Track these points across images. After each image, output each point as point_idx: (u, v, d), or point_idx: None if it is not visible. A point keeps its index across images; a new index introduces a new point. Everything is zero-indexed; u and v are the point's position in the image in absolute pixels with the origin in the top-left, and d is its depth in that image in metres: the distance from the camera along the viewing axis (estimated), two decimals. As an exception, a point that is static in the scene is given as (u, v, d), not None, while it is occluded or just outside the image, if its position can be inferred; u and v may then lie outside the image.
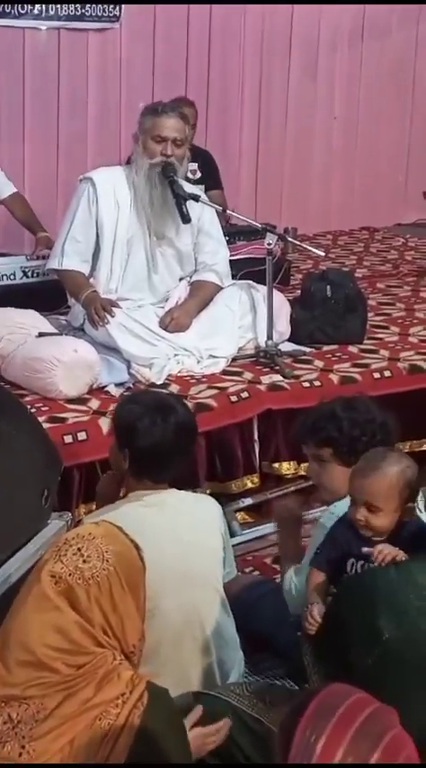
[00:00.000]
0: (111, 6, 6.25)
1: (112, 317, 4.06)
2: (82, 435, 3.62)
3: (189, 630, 2.69)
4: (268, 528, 3.99)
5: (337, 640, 2.36)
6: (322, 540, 2.61)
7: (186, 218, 4.17)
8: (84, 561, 2.00)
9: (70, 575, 1.98)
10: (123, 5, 6.29)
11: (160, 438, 2.73)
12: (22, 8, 5.98)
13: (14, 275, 4.95)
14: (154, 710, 1.99)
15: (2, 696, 1.93)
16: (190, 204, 4.23)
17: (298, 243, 4.76)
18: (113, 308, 4.10)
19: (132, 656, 2.06)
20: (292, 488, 4.09)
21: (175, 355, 4.16)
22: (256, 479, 3.99)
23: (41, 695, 1.92)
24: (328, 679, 2.44)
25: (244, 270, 4.92)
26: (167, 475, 2.80)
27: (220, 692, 2.61)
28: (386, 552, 2.39)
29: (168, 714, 2.03)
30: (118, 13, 6.30)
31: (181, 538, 2.66)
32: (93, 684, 1.96)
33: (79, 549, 2.01)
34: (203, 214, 4.37)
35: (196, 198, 4.26)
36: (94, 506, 3.60)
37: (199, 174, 5.89)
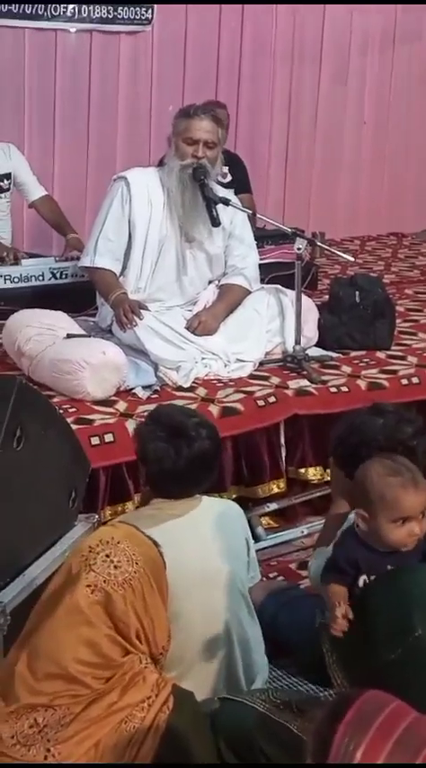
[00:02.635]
0: (144, 9, 6.26)
1: (141, 319, 4.05)
2: (109, 437, 3.62)
3: (213, 635, 2.68)
4: (292, 533, 3.99)
5: (360, 633, 2.35)
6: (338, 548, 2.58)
7: (216, 222, 4.17)
8: (115, 567, 2.00)
9: (105, 582, 1.98)
10: (155, 8, 6.29)
11: (170, 467, 2.65)
12: (55, 10, 6.01)
13: (43, 276, 4.97)
14: (179, 714, 1.99)
15: (29, 703, 1.93)
16: (222, 207, 4.23)
17: (327, 247, 4.74)
18: (142, 311, 4.09)
19: (160, 659, 2.06)
20: (317, 494, 4.09)
21: (203, 359, 4.15)
22: (282, 484, 3.98)
23: (68, 704, 1.92)
24: (345, 673, 2.45)
25: (271, 274, 4.92)
26: (182, 496, 2.73)
27: (246, 697, 2.60)
28: None
29: (194, 717, 2.03)
30: (150, 17, 6.31)
31: (205, 542, 2.66)
32: (118, 689, 1.96)
33: (107, 556, 2.01)
34: (235, 218, 4.36)
35: (226, 202, 4.25)
36: (120, 508, 3.64)
37: (229, 178, 5.89)
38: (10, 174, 5.47)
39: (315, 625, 2.65)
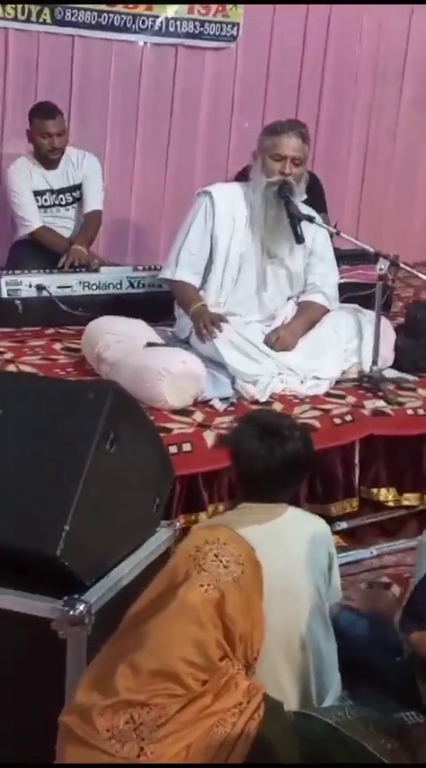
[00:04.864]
0: (229, 26, 6.32)
1: (220, 332, 4.08)
2: (186, 447, 3.65)
3: (289, 647, 2.67)
4: (362, 554, 3.98)
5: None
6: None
7: (300, 239, 4.19)
8: (224, 566, 2.03)
9: (217, 581, 2.01)
10: (241, 26, 6.34)
11: (263, 466, 2.66)
12: (143, 23, 6.10)
13: (121, 285, 5.04)
14: (270, 722, 2.00)
15: (126, 699, 1.95)
16: (304, 225, 4.25)
17: (411, 270, 4.75)
18: (221, 323, 4.12)
19: (253, 664, 2.08)
20: (388, 516, 4.09)
21: (279, 374, 4.16)
22: (355, 503, 3.98)
23: (164, 703, 1.94)
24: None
25: (346, 294, 4.91)
26: (272, 499, 2.74)
27: (321, 713, 2.60)
28: None
29: (283, 727, 2.05)
30: (235, 33, 6.37)
31: (288, 553, 2.65)
32: (212, 693, 1.98)
33: (216, 556, 2.04)
34: (317, 236, 4.39)
35: (311, 219, 4.28)
36: (193, 517, 3.66)
37: (305, 196, 5.91)
38: (81, 184, 5.52)
39: (398, 649, 2.63)
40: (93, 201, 5.51)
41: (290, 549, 2.67)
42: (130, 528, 2.72)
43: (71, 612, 2.43)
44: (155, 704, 1.95)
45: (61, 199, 5.48)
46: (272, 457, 2.65)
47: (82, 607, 2.43)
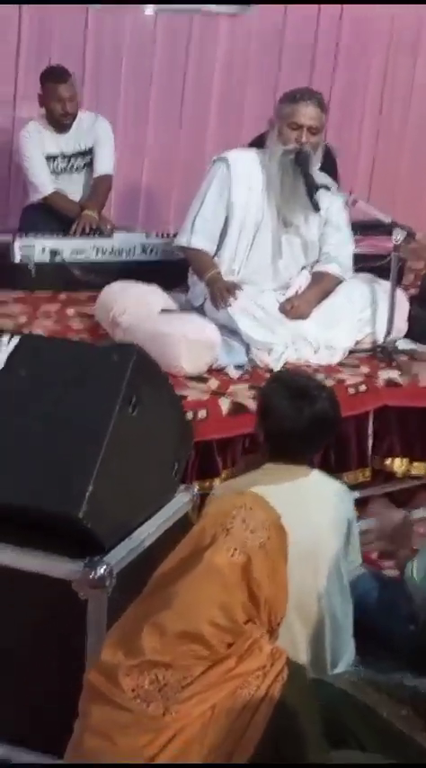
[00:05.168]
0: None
1: (235, 299, 4.08)
2: (202, 414, 3.66)
3: (305, 610, 2.69)
4: (371, 523, 4.00)
5: None
6: None
7: (317, 207, 4.18)
8: (251, 531, 2.03)
9: (244, 545, 2.02)
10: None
11: (291, 425, 2.72)
12: (160, -12, 6.06)
13: (134, 251, 5.04)
14: (292, 685, 2.01)
15: (152, 660, 1.96)
16: (320, 194, 4.23)
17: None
18: (236, 291, 4.11)
19: (276, 629, 2.09)
20: (400, 487, 4.11)
21: (293, 343, 4.16)
22: (368, 473, 4.00)
23: (189, 665, 1.96)
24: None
25: (358, 265, 4.90)
26: (300, 459, 2.80)
27: (334, 679, 2.62)
28: None
29: (306, 690, 2.06)
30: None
31: (309, 517, 2.66)
32: (236, 655, 1.99)
33: (243, 521, 2.05)
34: (332, 205, 4.37)
35: (328, 188, 4.26)
36: (207, 484, 3.67)
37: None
38: (92, 148, 5.48)
39: (411, 617, 2.65)
40: (104, 165, 5.46)
41: (312, 512, 2.69)
42: (150, 491, 2.74)
43: (92, 574, 2.45)
44: (180, 665, 1.96)
45: (73, 163, 5.45)
46: (301, 417, 2.71)
47: (103, 569, 2.46)
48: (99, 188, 5.45)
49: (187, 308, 4.40)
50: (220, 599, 1.98)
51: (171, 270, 4.76)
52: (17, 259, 4.78)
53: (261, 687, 1.98)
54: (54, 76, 5.31)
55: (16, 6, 5.81)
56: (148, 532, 2.67)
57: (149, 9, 6.12)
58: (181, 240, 4.35)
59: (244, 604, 2.01)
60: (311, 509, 2.69)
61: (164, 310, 4.13)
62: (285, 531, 2.11)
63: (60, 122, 5.35)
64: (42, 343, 2.85)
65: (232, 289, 4.10)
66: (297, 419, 2.72)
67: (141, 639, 1.98)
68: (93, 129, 5.45)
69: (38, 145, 5.34)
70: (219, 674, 1.97)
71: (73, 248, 4.89)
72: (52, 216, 5.33)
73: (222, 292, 4.09)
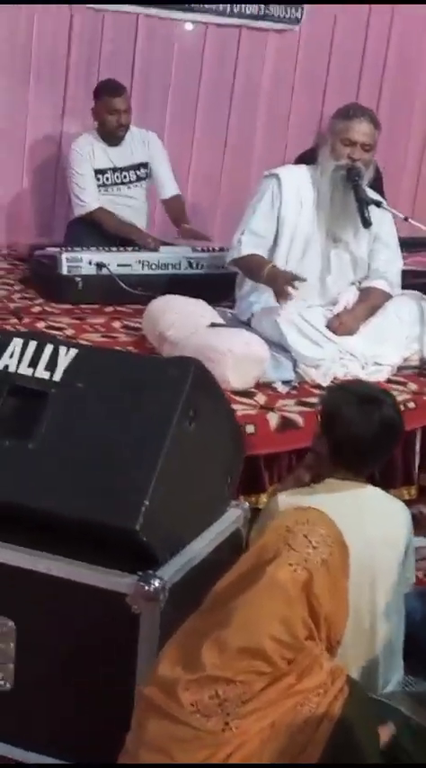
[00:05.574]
0: (294, 9, 6.28)
1: (296, 289, 4.00)
2: (250, 428, 3.64)
3: (360, 628, 2.67)
4: (419, 541, 3.96)
5: None
6: None
7: (368, 223, 4.17)
8: (313, 547, 2.02)
9: (306, 560, 2.01)
10: (305, 8, 6.31)
11: (362, 431, 2.72)
12: (208, 3, 6.07)
13: (180, 265, 5.04)
14: (353, 704, 2.00)
15: (212, 675, 1.95)
16: (370, 210, 4.22)
17: None
18: (296, 282, 4.03)
19: (336, 647, 2.08)
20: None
21: (341, 359, 4.15)
22: (414, 491, 3.97)
23: (250, 680, 1.95)
24: None
25: (406, 281, 4.88)
26: (364, 469, 2.82)
27: (389, 698, 2.60)
28: None
29: (366, 709, 2.05)
30: (299, 16, 6.33)
31: (366, 533, 2.64)
32: (296, 672, 1.98)
33: (305, 536, 2.04)
34: (382, 221, 4.36)
35: (378, 204, 4.25)
36: (253, 499, 3.65)
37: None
38: (147, 163, 5.55)
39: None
40: (172, 187, 5.62)
41: (371, 528, 2.67)
42: (203, 505, 2.73)
43: (146, 588, 2.44)
44: (240, 681, 1.96)
45: (124, 176, 5.49)
46: (371, 422, 2.71)
47: (157, 582, 2.45)
48: (180, 207, 5.61)
49: (234, 322, 4.40)
50: (282, 614, 1.97)
51: (216, 283, 4.76)
52: (64, 271, 4.79)
53: (322, 704, 1.97)
54: (109, 90, 5.39)
55: (67, 22, 5.85)
56: (201, 547, 2.66)
57: (201, 20, 6.16)
58: (232, 254, 4.34)
59: (304, 620, 2.00)
60: (368, 523, 2.68)
61: (213, 324, 4.12)
62: (347, 548, 2.10)
63: (114, 135, 5.41)
64: (100, 355, 2.84)
65: (291, 280, 4.01)
66: (367, 424, 2.72)
67: (201, 654, 1.98)
68: (145, 145, 5.53)
69: (88, 159, 5.40)
70: (280, 690, 1.96)
71: (119, 261, 4.90)
72: (97, 231, 5.36)
73: (288, 283, 3.99)
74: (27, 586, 2.55)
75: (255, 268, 4.23)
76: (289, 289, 3.97)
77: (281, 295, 4.02)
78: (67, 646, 2.57)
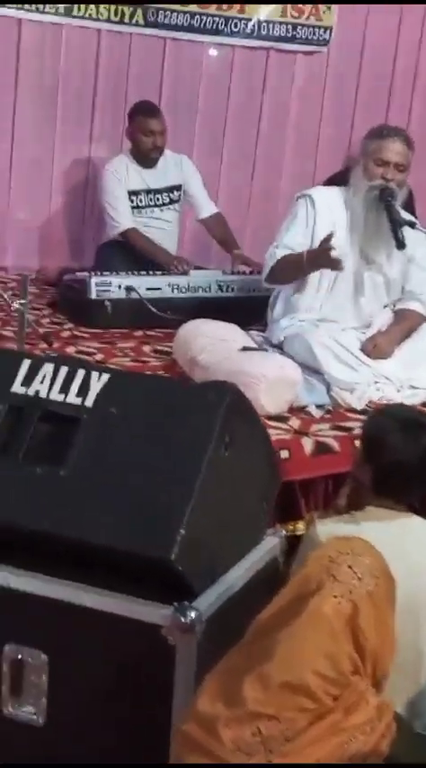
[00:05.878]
0: (322, 30, 6.26)
1: (334, 249, 3.96)
2: (284, 454, 3.57)
3: (405, 661, 2.58)
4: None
5: None
6: None
7: (401, 244, 4.10)
8: (359, 579, 1.95)
9: (351, 592, 1.93)
10: (333, 30, 6.28)
11: (409, 457, 2.64)
12: (236, 26, 6.07)
13: (210, 288, 4.99)
14: (401, 741, 1.92)
15: (254, 711, 1.88)
16: (404, 231, 4.16)
17: None
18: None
19: (382, 682, 2.00)
20: None
21: (375, 382, 4.08)
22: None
23: (294, 717, 1.87)
24: None
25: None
26: (409, 496, 2.73)
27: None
28: None
29: (414, 746, 1.96)
30: (327, 37, 6.30)
31: (412, 562, 2.55)
32: (342, 708, 1.90)
33: (350, 567, 1.96)
34: (416, 243, 4.29)
35: (413, 225, 4.19)
36: (290, 527, 3.57)
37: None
38: (180, 185, 5.53)
39: None
40: (210, 206, 5.62)
41: (414, 558, 2.58)
42: (240, 533, 2.66)
43: (183, 619, 2.36)
44: (283, 717, 1.88)
45: (157, 198, 5.46)
46: (418, 447, 2.63)
47: (193, 614, 2.37)
48: (223, 226, 5.60)
49: (266, 345, 4.34)
50: (326, 648, 1.90)
51: (247, 307, 4.73)
52: (93, 295, 4.75)
53: (369, 742, 1.90)
54: (145, 110, 5.38)
55: (94, 46, 5.85)
56: (237, 576, 2.58)
57: (229, 43, 6.15)
58: (266, 270, 4.28)
59: (350, 655, 1.92)
60: (413, 555, 2.59)
61: (244, 348, 4.07)
62: (393, 579, 2.02)
63: (148, 156, 5.39)
64: (133, 380, 2.78)
65: (328, 249, 3.96)
66: (414, 450, 2.64)
67: (242, 690, 1.90)
68: (179, 167, 5.51)
69: (122, 180, 5.39)
70: (325, 727, 1.88)
71: (148, 285, 4.86)
72: (127, 254, 5.33)
73: (329, 259, 3.97)
74: (59, 618, 2.48)
75: (292, 264, 4.18)
76: (332, 253, 3.93)
77: (332, 265, 3.98)
78: (101, 679, 2.49)
